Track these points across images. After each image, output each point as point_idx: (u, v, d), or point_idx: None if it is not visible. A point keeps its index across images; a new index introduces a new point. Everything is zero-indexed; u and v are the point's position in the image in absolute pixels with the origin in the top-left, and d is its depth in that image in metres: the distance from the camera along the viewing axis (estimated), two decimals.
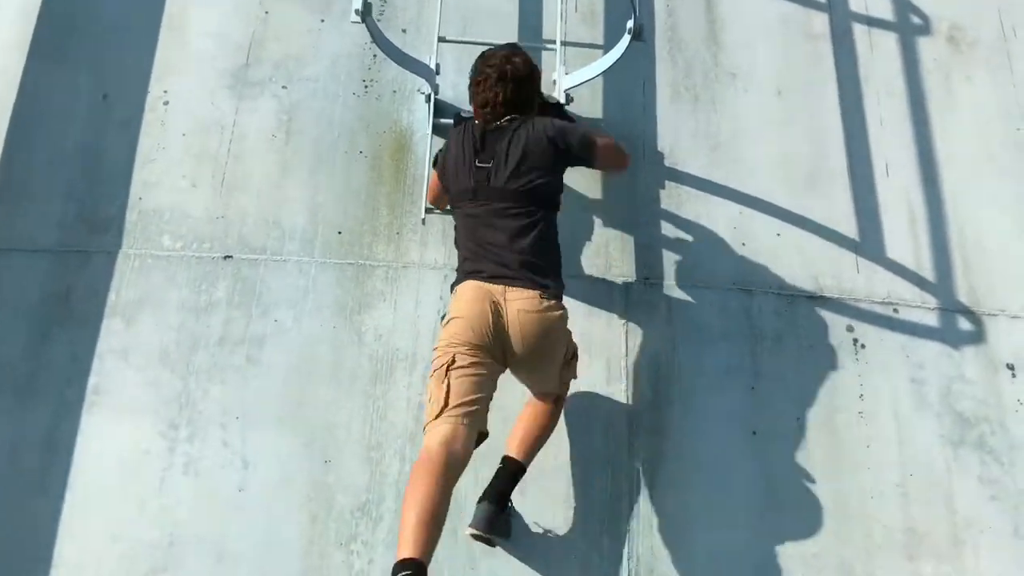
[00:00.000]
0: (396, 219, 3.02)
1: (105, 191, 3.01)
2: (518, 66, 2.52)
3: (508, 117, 2.51)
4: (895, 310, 3.01)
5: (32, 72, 3.16)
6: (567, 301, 2.50)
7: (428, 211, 2.87)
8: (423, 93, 3.07)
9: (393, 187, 3.07)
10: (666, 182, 3.13)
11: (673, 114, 3.25)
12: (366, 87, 3.22)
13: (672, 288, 2.97)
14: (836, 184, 3.18)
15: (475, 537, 2.36)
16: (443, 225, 3.00)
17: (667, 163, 3.16)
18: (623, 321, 2.91)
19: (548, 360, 2.43)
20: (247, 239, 2.97)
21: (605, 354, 2.85)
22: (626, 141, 3.15)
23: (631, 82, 3.28)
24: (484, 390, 2.28)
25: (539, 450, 2.50)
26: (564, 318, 2.42)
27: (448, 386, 2.21)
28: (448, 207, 2.76)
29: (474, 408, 2.23)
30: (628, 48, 2.79)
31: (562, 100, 2.97)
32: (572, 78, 3.00)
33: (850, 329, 2.96)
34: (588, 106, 3.21)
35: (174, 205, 3.01)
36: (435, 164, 2.73)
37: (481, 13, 3.31)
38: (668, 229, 3.06)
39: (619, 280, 2.96)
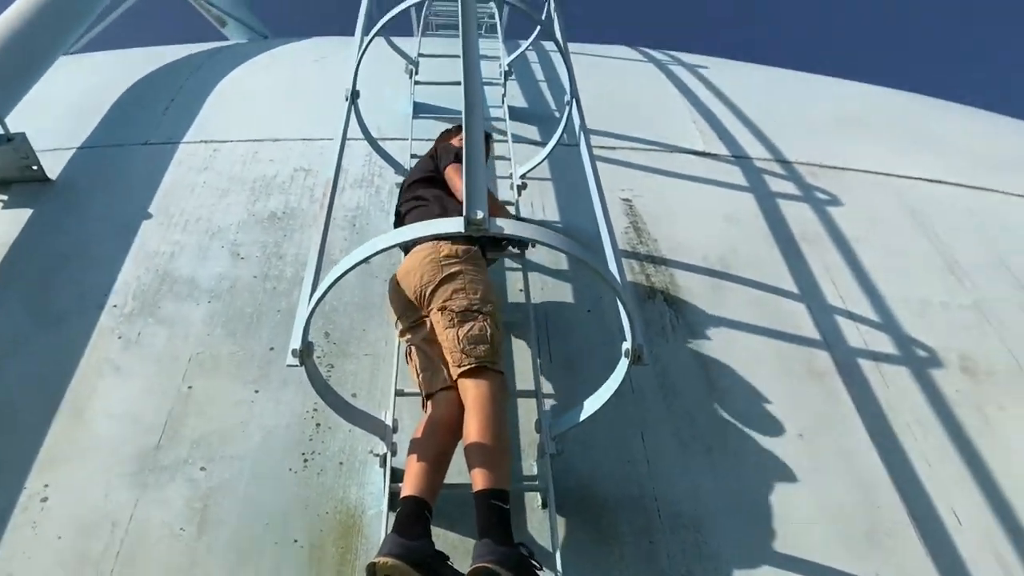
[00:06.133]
0: None
1: None
2: None
3: None
4: None
5: None
6: None
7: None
8: (377, 455, 2.47)
9: None
10: (695, 553, 2.43)
11: (685, 468, 2.67)
12: (305, 461, 2.60)
13: None
14: (904, 540, 2.52)
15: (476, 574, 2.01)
16: None
17: (691, 527, 2.49)
18: None
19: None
20: None
21: None
22: (634, 502, 2.54)
23: (625, 431, 2.76)
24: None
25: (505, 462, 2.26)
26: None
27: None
28: None
29: None
30: (611, 395, 2.32)
31: (552, 451, 2.40)
32: (562, 421, 2.47)
33: None
34: (579, 461, 2.63)
35: None
36: None
37: None
38: None
39: None
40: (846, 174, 4.28)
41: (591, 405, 2.37)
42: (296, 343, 2.03)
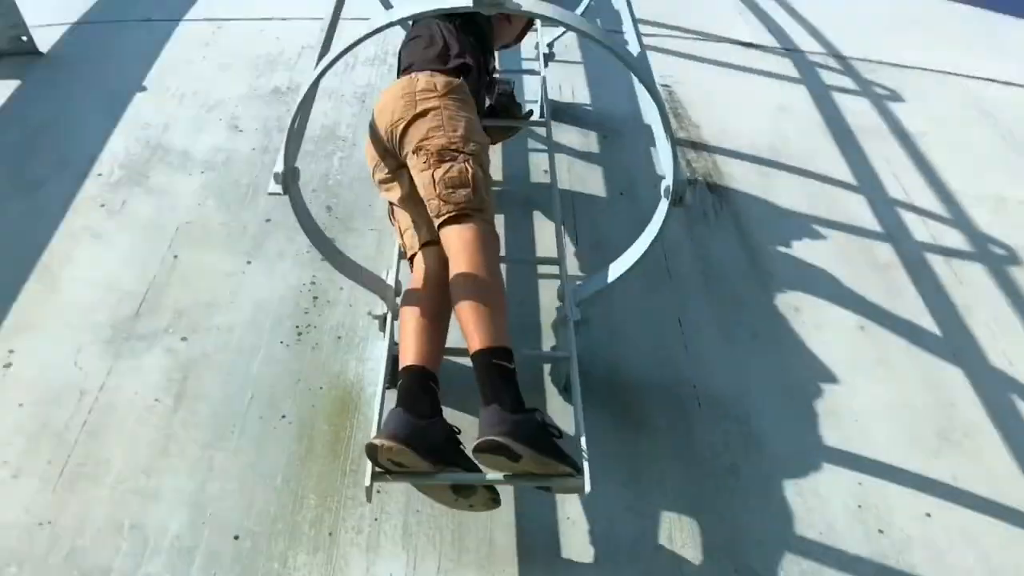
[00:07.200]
0: (330, 512, 1.90)
1: None
2: None
3: None
4: None
5: None
6: None
7: (377, 476, 1.74)
8: (376, 316, 2.16)
9: (328, 464, 2.00)
10: (735, 441, 2.12)
11: (728, 355, 2.35)
12: (299, 334, 2.31)
13: None
14: (984, 439, 2.19)
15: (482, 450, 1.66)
16: (404, 517, 1.89)
17: (734, 418, 2.18)
18: None
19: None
20: (81, 557, 1.80)
21: None
22: (669, 390, 2.23)
23: (660, 318, 2.44)
24: None
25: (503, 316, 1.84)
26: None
27: None
28: None
29: None
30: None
31: (575, 317, 2.09)
32: (588, 285, 2.16)
33: None
34: (606, 348, 2.32)
35: None
36: None
37: None
38: (758, 511, 1.97)
39: None
40: (907, 71, 3.87)
41: (623, 263, 2.03)
42: (279, 166, 1.71)
